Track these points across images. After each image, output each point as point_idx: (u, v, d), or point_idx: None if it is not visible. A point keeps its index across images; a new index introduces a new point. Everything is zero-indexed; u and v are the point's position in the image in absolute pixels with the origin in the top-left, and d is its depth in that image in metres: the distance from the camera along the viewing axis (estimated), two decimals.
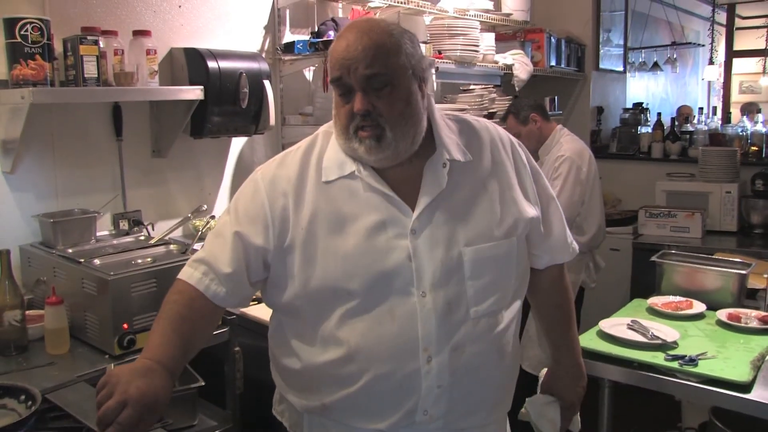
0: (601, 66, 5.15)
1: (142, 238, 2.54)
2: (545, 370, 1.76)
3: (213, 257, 1.40)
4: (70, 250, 2.30)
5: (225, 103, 2.74)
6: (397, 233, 1.36)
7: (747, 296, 2.65)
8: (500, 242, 1.42)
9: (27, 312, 2.12)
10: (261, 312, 2.37)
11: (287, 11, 3.27)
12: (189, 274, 1.40)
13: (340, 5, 3.49)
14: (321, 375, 1.40)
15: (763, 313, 2.40)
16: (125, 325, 2.05)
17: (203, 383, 2.17)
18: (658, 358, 2.08)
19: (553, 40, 4.51)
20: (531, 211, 1.48)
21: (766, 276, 2.53)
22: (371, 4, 3.32)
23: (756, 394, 1.89)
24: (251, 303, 2.40)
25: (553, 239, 1.58)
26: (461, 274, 1.38)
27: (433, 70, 3.28)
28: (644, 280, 3.32)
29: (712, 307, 2.51)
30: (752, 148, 4.64)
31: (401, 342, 1.35)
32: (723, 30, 7.47)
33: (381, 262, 1.35)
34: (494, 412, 1.49)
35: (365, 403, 1.38)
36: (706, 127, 5.05)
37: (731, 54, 7.37)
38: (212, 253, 1.40)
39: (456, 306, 1.37)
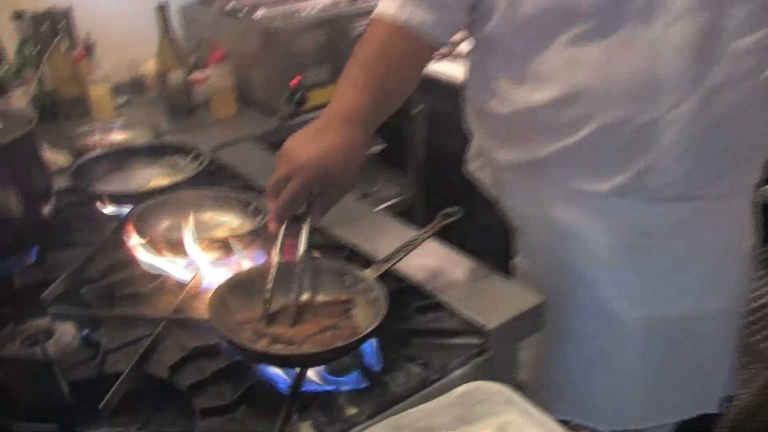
0: None
1: None
2: None
3: None
4: (229, 4, 2.07)
5: None
6: None
7: None
8: None
9: (191, 74, 1.96)
10: (446, 69, 2.08)
11: None
12: (385, 6, 1.09)
13: None
14: (533, 121, 1.10)
15: None
16: (294, 81, 1.84)
17: (384, 144, 1.96)
18: None
19: None
20: None
21: None
22: None
23: None
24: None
25: None
26: None
27: None
28: None
29: None
30: None
31: (639, 82, 1.00)
32: None
33: None
34: (742, 178, 1.14)
35: (586, 159, 1.08)
36: None
37: None
38: None
39: (712, 38, 0.98)
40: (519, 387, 1.01)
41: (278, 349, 0.88)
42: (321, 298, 0.97)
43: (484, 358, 0.90)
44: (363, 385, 0.86)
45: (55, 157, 1.53)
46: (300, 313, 0.93)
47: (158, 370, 0.89)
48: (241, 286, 0.97)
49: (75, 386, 0.88)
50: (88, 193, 1.31)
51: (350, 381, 0.86)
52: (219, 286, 0.96)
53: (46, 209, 1.24)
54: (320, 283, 0.98)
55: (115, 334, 0.97)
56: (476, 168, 1.31)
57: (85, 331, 0.99)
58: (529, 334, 0.98)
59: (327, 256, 1.07)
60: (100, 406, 0.82)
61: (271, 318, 0.92)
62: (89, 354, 0.94)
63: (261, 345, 0.88)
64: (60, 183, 1.34)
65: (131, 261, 1.10)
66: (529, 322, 0.96)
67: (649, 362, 1.19)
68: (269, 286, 0.94)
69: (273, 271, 0.95)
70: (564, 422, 1.48)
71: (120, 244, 1.14)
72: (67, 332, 1.00)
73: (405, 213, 2.07)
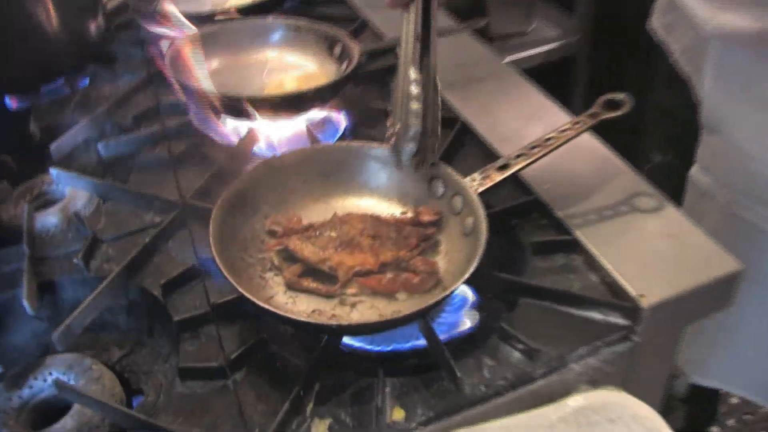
0: None
1: None
2: None
3: None
4: None
5: None
6: None
7: None
8: None
9: None
10: None
11: None
12: None
13: None
14: None
15: None
16: None
17: None
18: None
19: None
20: None
21: None
22: None
23: None
24: None
25: None
26: None
27: None
28: None
29: None
30: None
31: None
32: None
33: None
34: None
35: None
36: None
37: None
38: None
39: None
40: (672, 377, 0.68)
41: (307, 285, 0.59)
42: (391, 209, 0.66)
43: (626, 347, 0.56)
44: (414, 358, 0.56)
45: None
46: (351, 234, 0.62)
47: (151, 284, 0.63)
48: (293, 169, 0.67)
49: (46, 288, 0.65)
50: (146, 11, 1.03)
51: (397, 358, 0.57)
52: (251, 169, 0.66)
53: (92, 28, 0.98)
54: (394, 187, 0.67)
55: (118, 217, 0.72)
56: (664, 25, 0.89)
57: (105, 203, 0.75)
58: (704, 315, 0.62)
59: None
60: (53, 335, 0.57)
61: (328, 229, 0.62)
62: (77, 243, 0.69)
63: (288, 274, 0.60)
64: None
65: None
66: (710, 299, 0.60)
67: None
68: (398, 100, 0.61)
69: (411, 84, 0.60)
70: (715, 390, 1.14)
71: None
72: (75, 202, 0.76)
73: (563, 64, 1.66)
